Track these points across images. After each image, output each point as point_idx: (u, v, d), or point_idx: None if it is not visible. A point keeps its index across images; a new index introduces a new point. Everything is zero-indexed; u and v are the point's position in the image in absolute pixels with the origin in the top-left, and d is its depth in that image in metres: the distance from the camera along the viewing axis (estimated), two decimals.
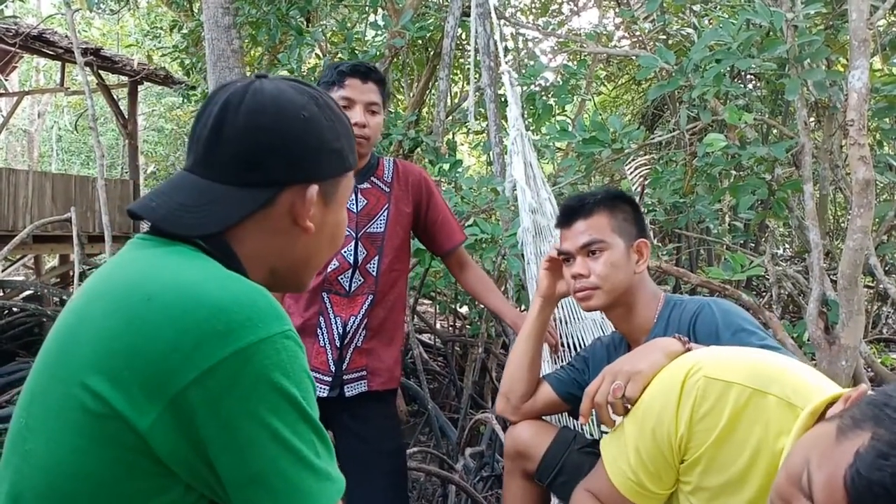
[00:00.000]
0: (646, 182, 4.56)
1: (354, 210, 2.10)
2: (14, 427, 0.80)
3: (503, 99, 4.31)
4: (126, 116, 10.19)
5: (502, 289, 3.64)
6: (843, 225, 5.71)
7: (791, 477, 0.83)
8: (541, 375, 1.86)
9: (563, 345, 2.27)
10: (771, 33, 2.99)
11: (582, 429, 1.94)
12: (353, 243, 2.08)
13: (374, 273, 2.10)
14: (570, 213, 1.67)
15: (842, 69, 3.83)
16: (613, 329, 1.77)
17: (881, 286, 4.01)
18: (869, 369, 3.20)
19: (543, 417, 1.88)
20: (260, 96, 0.87)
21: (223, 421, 0.70)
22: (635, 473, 1.12)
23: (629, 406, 1.22)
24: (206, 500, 0.76)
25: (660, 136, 4.47)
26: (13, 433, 0.79)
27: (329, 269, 2.08)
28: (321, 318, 2.08)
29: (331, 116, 0.92)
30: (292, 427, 0.73)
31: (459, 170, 4.14)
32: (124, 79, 10.12)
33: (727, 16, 4.08)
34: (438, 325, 5.95)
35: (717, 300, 1.57)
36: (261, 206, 0.87)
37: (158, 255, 0.82)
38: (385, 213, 2.13)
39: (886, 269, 5.19)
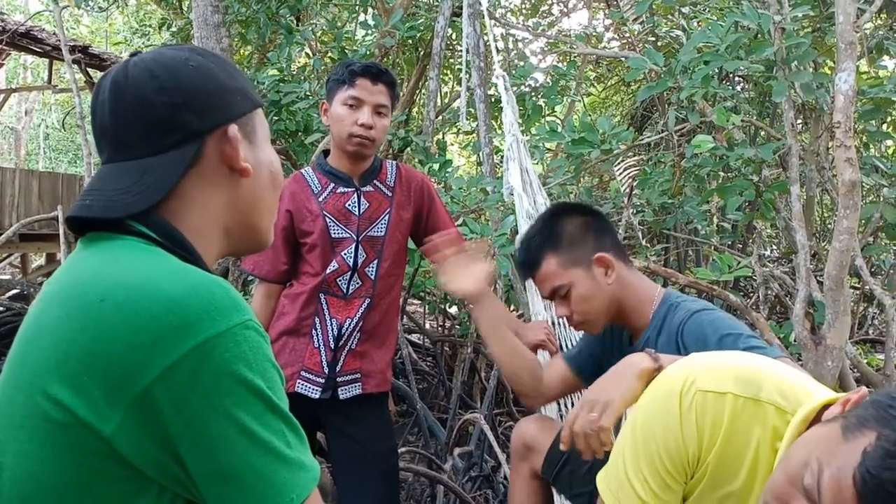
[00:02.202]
0: (634, 183, 4.58)
1: (357, 213, 2.10)
2: None
3: (493, 99, 4.31)
4: None
5: (492, 289, 3.64)
6: (829, 226, 5.75)
7: (790, 477, 0.82)
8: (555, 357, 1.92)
9: (563, 347, 2.27)
10: (759, 35, 3.01)
11: None
12: (353, 246, 2.08)
13: (373, 277, 2.10)
14: (522, 271, 1.70)
15: (829, 72, 3.86)
16: None
17: (867, 287, 4.04)
18: (854, 370, 3.22)
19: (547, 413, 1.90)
20: (142, 65, 0.87)
21: (188, 418, 0.69)
22: (644, 502, 1.08)
23: (605, 440, 1.25)
24: (181, 499, 0.74)
25: (648, 137, 4.49)
26: None
27: (328, 271, 2.07)
28: (317, 319, 2.08)
29: (218, 62, 0.92)
30: (260, 419, 0.72)
31: (449, 170, 4.14)
32: None
33: (716, 18, 4.10)
34: (427, 325, 5.95)
35: (701, 310, 1.53)
36: (191, 163, 0.86)
37: (107, 251, 0.81)
38: (387, 218, 2.13)
39: (872, 270, 5.24)
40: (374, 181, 2.15)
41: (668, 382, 1.10)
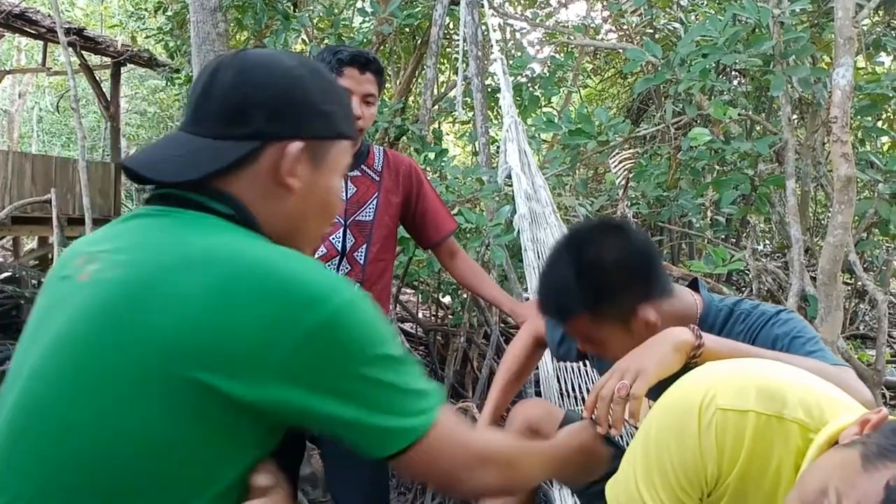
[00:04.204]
0: (630, 175, 4.58)
1: (344, 197, 2.09)
2: (30, 394, 0.78)
3: (490, 89, 4.30)
4: (108, 98, 10.05)
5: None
6: (823, 222, 5.77)
7: (806, 502, 0.80)
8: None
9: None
10: (757, 30, 3.01)
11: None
12: (341, 230, 2.07)
13: (362, 262, 2.10)
14: (551, 315, 1.43)
15: (826, 67, 3.86)
16: None
17: (859, 283, 4.06)
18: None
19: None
20: (250, 57, 0.91)
21: (326, 384, 0.77)
22: None
23: (634, 409, 1.15)
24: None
25: (645, 129, 4.49)
26: (24, 403, 0.78)
27: (317, 256, 2.07)
28: None
29: (321, 80, 0.94)
30: (387, 369, 0.81)
31: (445, 159, 4.13)
32: (107, 60, 9.97)
33: (714, 11, 4.09)
34: (420, 315, 5.95)
35: (779, 312, 1.37)
36: (242, 158, 0.88)
37: (206, 227, 0.84)
38: (374, 202, 2.12)
39: (865, 266, 5.26)
40: (362, 166, 2.15)
41: (686, 394, 1.03)
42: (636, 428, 1.17)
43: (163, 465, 0.75)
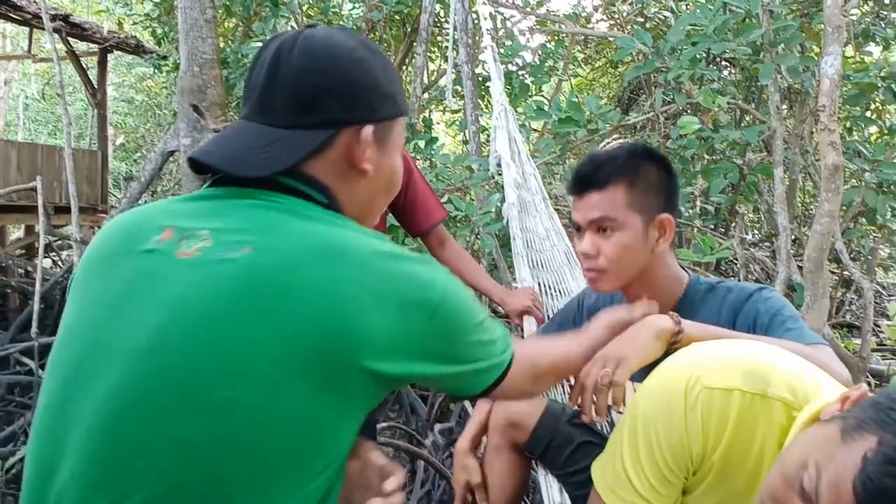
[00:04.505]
0: None
1: None
2: (150, 372, 0.76)
3: (480, 78, 4.29)
4: (95, 86, 9.95)
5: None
6: (811, 212, 5.80)
7: (787, 479, 0.80)
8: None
9: (547, 315, 2.25)
10: (747, 18, 3.01)
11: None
12: None
13: None
14: (583, 181, 1.44)
15: (815, 57, 3.87)
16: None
17: (845, 273, 4.09)
18: None
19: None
20: (311, 40, 0.90)
21: (443, 357, 0.87)
22: (642, 497, 1.04)
23: (617, 396, 1.18)
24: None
25: (634, 118, 4.49)
26: (144, 381, 0.76)
27: None
28: None
29: (382, 61, 0.95)
30: (484, 331, 0.92)
31: (435, 147, 4.12)
32: (94, 47, 9.87)
33: (704, 0, 4.09)
34: None
35: (758, 290, 1.42)
36: (319, 147, 0.89)
37: (319, 216, 0.86)
38: None
39: (852, 256, 5.30)
40: None
41: (672, 374, 1.05)
42: (620, 414, 1.19)
43: (307, 444, 0.78)
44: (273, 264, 0.78)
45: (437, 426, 3.32)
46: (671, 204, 1.45)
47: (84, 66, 10.07)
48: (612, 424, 1.58)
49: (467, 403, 2.98)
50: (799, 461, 0.80)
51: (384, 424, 3.38)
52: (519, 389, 1.04)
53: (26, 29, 10.09)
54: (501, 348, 0.96)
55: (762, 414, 0.97)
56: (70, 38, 9.20)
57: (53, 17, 7.48)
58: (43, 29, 6.49)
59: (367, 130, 0.91)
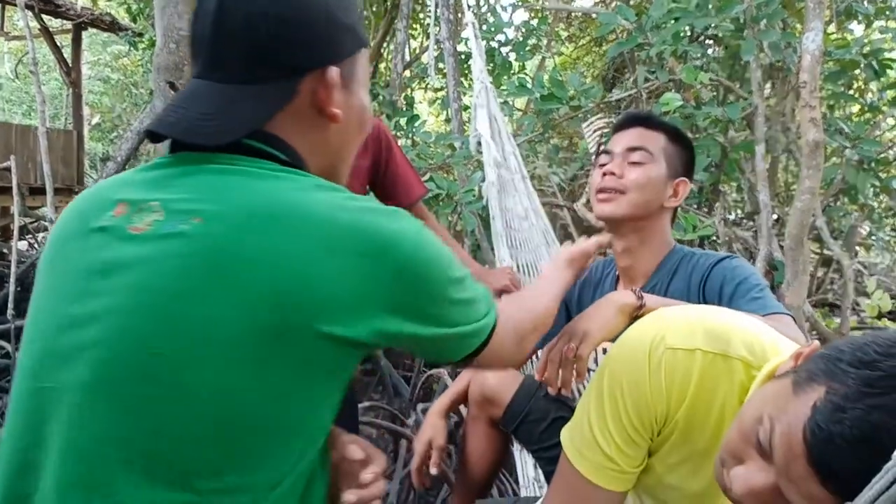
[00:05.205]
0: (602, 142, 4.56)
1: None
2: (119, 356, 0.73)
3: (463, 55, 4.24)
4: (70, 64, 9.76)
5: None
6: (792, 192, 5.82)
7: (744, 434, 0.82)
8: None
9: None
10: None
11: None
12: None
13: None
14: (634, 118, 1.63)
15: (797, 34, 3.86)
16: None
17: (826, 251, 4.12)
18: (814, 332, 3.29)
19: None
20: None
21: (414, 314, 0.80)
22: (609, 458, 1.07)
23: (580, 369, 1.24)
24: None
25: (617, 95, 4.46)
26: (111, 370, 0.73)
27: None
28: None
29: None
30: (460, 287, 0.86)
31: (416, 125, 4.08)
32: (68, 24, 9.67)
33: None
34: None
35: (724, 258, 1.52)
36: (280, 103, 0.82)
37: (276, 176, 0.79)
38: None
39: (833, 235, 5.33)
40: None
41: (637, 337, 1.08)
42: (584, 386, 1.24)
43: (280, 422, 0.75)
44: (222, 233, 0.74)
45: (421, 406, 3.31)
46: (688, 176, 1.61)
47: (58, 44, 9.86)
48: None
49: (450, 381, 2.97)
50: (754, 416, 0.81)
51: (367, 404, 3.37)
52: (504, 355, 0.98)
53: None
54: (484, 310, 0.90)
55: (723, 373, 1.00)
56: (43, 15, 9.00)
57: None
58: (15, 5, 6.33)
59: (333, 73, 0.83)
